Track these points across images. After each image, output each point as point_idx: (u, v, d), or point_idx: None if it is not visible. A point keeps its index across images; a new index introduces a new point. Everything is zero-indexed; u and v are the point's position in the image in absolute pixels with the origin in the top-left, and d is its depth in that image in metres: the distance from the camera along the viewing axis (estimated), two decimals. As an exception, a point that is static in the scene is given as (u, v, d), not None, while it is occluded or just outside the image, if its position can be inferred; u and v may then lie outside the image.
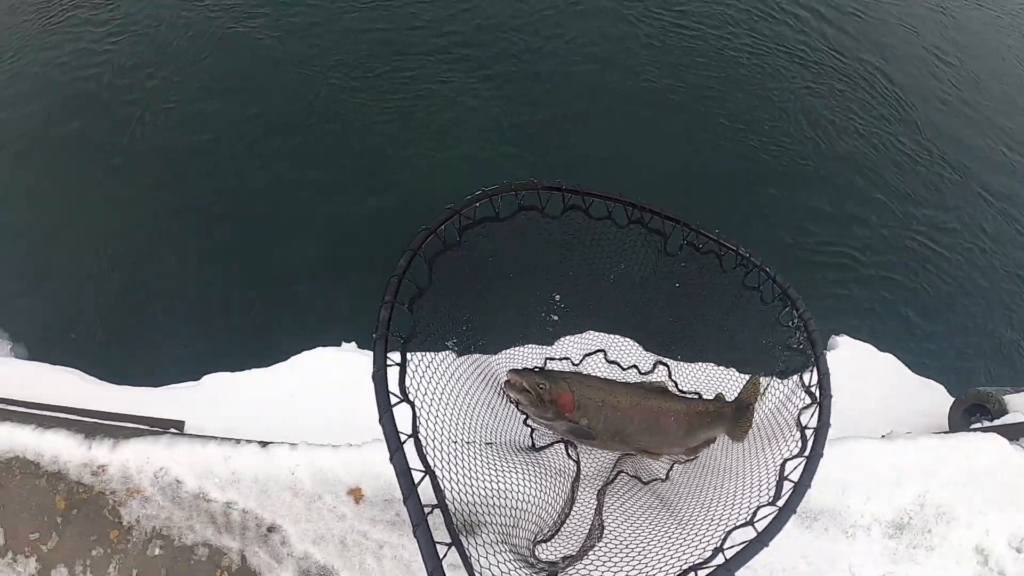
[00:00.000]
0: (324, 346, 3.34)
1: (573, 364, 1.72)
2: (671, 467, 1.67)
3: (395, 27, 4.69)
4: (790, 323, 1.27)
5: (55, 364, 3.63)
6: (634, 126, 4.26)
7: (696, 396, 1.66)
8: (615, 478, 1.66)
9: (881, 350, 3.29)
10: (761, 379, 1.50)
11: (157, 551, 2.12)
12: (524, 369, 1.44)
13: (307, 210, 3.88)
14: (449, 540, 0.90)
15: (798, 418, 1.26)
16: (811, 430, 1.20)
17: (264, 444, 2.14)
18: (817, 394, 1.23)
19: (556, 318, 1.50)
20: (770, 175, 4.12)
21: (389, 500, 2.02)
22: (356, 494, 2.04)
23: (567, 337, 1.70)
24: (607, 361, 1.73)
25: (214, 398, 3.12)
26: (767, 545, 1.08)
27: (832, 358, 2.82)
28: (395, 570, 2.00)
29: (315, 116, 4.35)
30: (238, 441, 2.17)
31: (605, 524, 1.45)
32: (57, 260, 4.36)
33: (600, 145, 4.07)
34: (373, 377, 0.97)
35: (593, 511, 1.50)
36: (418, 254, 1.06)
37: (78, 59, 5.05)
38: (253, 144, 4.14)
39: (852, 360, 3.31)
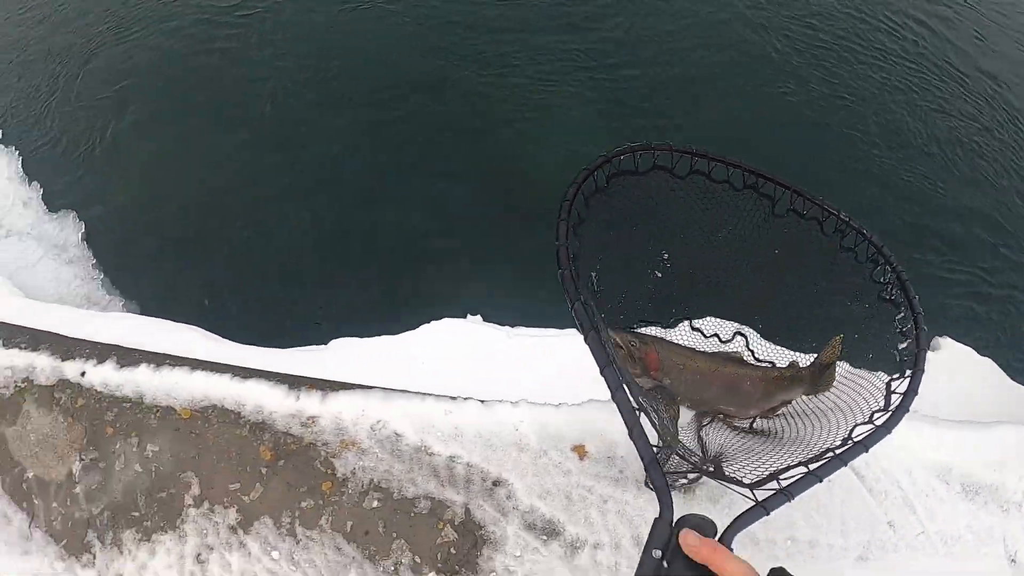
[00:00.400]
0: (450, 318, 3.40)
1: (662, 328, 1.75)
2: (752, 422, 1.73)
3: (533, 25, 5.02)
4: (883, 279, 1.34)
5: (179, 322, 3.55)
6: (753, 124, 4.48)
7: (770, 364, 1.73)
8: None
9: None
10: (839, 339, 1.54)
11: (375, 503, 2.12)
12: (619, 328, 1.54)
13: (430, 189, 4.00)
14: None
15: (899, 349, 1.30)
16: (910, 357, 1.25)
17: (484, 401, 2.21)
18: (913, 325, 1.27)
19: (659, 274, 1.55)
20: (896, 190, 4.29)
21: (611, 457, 2.12)
22: (580, 451, 2.13)
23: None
24: (691, 328, 1.77)
25: (352, 361, 3.09)
26: (891, 432, 1.11)
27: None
28: (619, 524, 2.08)
29: (444, 98, 4.44)
30: (454, 398, 2.23)
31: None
32: (175, 225, 4.28)
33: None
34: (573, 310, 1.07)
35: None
36: (581, 187, 1.21)
37: (209, 31, 5.14)
38: (382, 123, 4.24)
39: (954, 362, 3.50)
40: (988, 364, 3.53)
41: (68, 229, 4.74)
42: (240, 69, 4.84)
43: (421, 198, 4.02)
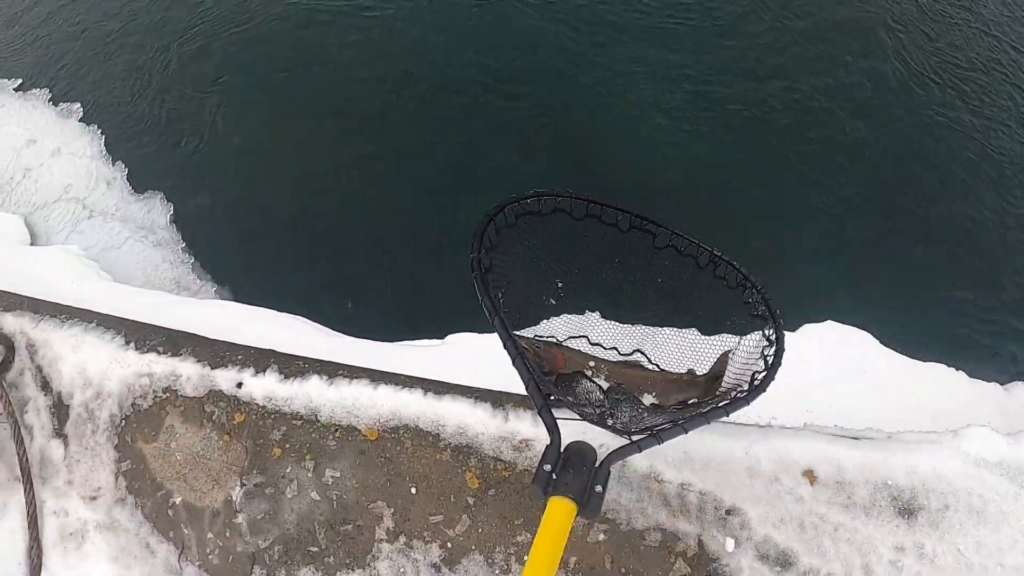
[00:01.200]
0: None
1: (559, 341, 1.51)
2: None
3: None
4: (751, 300, 1.30)
5: (279, 311, 2.84)
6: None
7: (666, 371, 1.51)
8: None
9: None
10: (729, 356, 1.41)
11: (601, 536, 1.61)
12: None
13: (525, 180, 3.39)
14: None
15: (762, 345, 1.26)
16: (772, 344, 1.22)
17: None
18: (776, 334, 1.24)
19: (554, 302, 1.47)
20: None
21: (840, 483, 1.69)
22: (810, 476, 1.70)
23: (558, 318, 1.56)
24: (590, 344, 1.53)
25: (473, 358, 2.52)
26: (748, 404, 1.14)
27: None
28: (850, 553, 1.66)
29: (537, 103, 3.83)
30: None
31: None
32: (266, 209, 3.51)
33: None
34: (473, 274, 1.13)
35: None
36: (493, 219, 1.20)
37: (306, 21, 4.26)
38: (499, 123, 3.60)
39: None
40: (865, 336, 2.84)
41: (155, 211, 3.84)
42: (336, 61, 4.05)
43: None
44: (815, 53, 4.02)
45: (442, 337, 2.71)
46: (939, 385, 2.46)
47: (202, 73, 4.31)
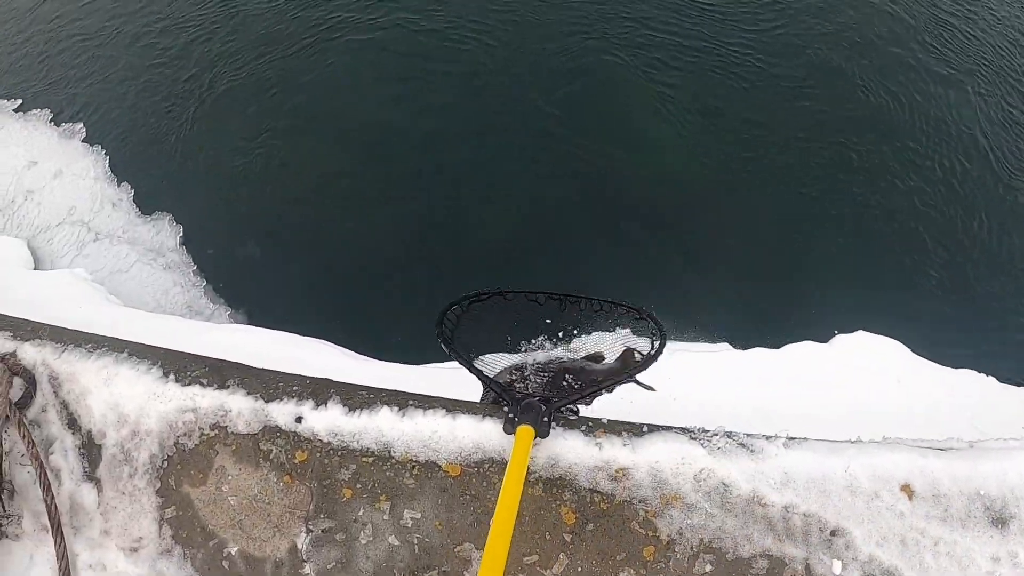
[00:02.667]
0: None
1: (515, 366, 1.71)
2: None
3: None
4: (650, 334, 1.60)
5: (300, 335, 2.56)
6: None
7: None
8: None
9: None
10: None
11: (707, 568, 1.42)
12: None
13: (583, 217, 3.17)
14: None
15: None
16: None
17: (797, 439, 1.56)
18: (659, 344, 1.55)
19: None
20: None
21: (936, 495, 1.54)
22: (907, 491, 1.54)
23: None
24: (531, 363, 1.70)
25: None
26: (631, 378, 1.51)
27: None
28: (950, 567, 1.51)
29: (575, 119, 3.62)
30: (769, 436, 1.57)
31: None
32: (278, 230, 3.19)
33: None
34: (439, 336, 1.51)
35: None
36: (448, 311, 1.55)
37: (311, 38, 3.92)
38: (541, 145, 3.36)
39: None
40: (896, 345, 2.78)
41: (164, 233, 3.46)
42: (350, 81, 3.80)
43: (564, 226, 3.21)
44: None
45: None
46: (975, 389, 2.39)
47: (210, 93, 3.97)
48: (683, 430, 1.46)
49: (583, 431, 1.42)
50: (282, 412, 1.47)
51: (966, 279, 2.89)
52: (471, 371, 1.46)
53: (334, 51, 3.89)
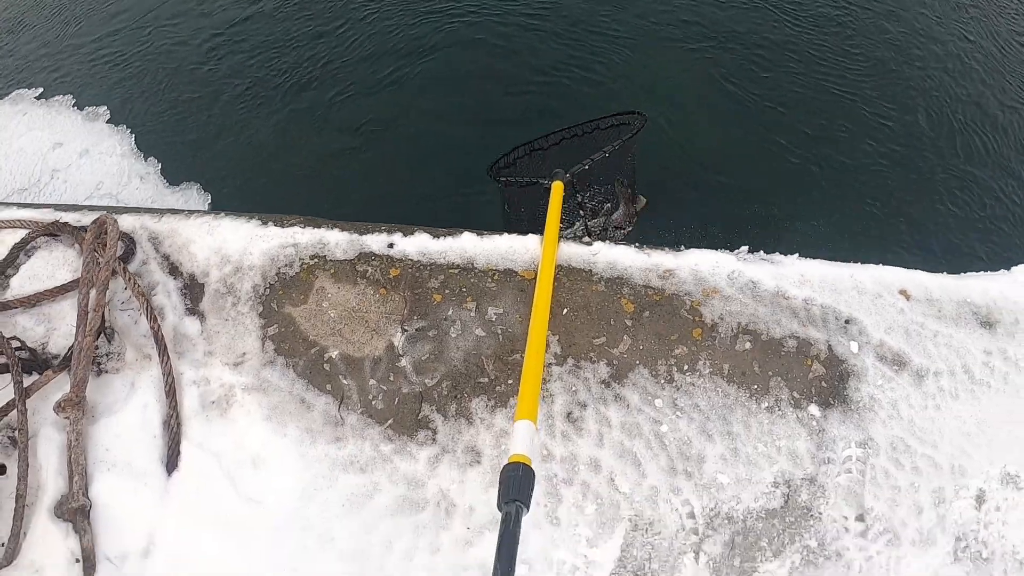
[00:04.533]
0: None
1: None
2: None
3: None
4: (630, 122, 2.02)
5: None
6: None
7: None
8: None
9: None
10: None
11: (747, 345, 1.62)
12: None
13: None
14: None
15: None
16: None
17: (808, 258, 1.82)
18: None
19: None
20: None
21: (930, 299, 1.79)
22: (904, 294, 1.81)
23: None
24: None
25: None
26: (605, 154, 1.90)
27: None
28: (949, 355, 1.65)
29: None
30: (785, 255, 1.82)
31: None
32: (304, 192, 3.37)
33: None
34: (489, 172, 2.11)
35: None
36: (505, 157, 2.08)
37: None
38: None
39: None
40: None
41: (192, 201, 3.64)
42: (372, 46, 4.14)
43: None
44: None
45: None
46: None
47: (231, 64, 4.24)
48: (713, 249, 1.73)
49: (634, 247, 1.67)
50: (375, 241, 1.69)
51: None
52: (513, 183, 1.93)
53: (365, 29, 4.27)
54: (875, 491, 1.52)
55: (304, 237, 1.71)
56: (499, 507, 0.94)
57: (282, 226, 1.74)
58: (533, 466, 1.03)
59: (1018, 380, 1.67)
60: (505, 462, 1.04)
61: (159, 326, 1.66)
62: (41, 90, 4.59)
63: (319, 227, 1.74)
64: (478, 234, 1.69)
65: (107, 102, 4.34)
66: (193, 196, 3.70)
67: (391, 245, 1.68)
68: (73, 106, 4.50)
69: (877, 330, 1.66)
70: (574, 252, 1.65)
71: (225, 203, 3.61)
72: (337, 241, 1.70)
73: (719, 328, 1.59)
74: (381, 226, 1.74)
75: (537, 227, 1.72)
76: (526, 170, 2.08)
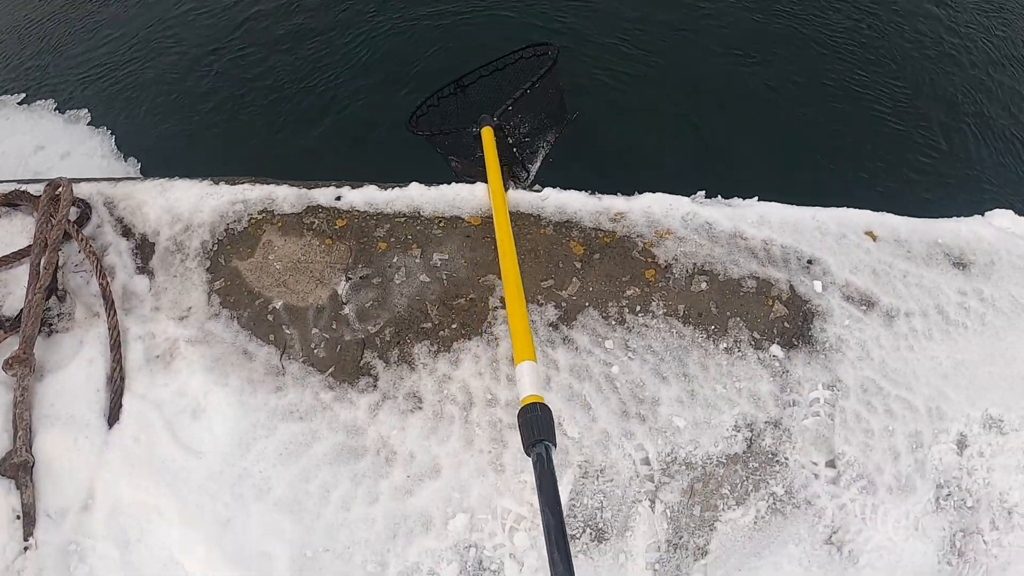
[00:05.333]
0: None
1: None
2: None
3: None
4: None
5: None
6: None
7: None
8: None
9: None
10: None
11: (703, 286, 1.54)
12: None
13: None
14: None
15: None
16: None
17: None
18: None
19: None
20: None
21: (898, 240, 1.68)
22: (871, 235, 1.71)
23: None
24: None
25: None
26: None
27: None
28: (921, 295, 1.60)
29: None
30: (743, 198, 1.75)
31: None
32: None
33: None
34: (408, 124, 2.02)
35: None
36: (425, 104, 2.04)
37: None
38: None
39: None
40: None
41: None
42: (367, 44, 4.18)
43: None
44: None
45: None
46: None
47: (212, 67, 4.27)
48: (668, 193, 1.66)
49: (585, 193, 1.62)
50: (323, 195, 1.66)
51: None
52: (438, 134, 1.85)
53: (343, 22, 4.27)
54: (846, 435, 1.41)
55: (253, 194, 1.69)
56: (526, 452, 0.93)
57: (232, 184, 1.73)
58: (545, 402, 1.02)
59: (996, 321, 1.56)
60: (519, 407, 1.03)
61: (108, 283, 1.63)
62: (23, 95, 4.67)
63: (268, 184, 1.72)
64: (426, 185, 1.65)
65: (88, 105, 4.40)
66: None
67: (339, 198, 1.65)
68: (55, 110, 4.58)
69: (842, 270, 1.57)
70: (522, 198, 1.60)
71: None
72: (286, 196, 1.67)
73: (673, 269, 1.51)
74: (331, 182, 1.72)
75: (477, 173, 1.70)
76: (452, 117, 1.99)
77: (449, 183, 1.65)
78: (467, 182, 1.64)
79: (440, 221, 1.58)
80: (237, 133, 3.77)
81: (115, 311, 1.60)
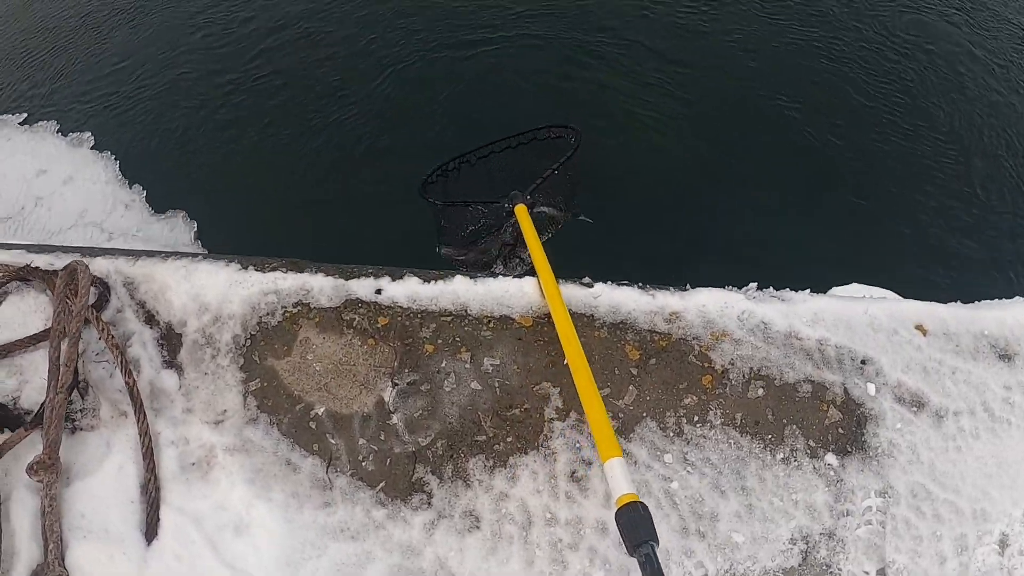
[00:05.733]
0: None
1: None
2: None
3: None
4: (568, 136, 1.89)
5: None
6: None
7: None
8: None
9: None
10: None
11: (760, 392, 1.51)
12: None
13: None
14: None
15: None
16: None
17: (819, 294, 1.70)
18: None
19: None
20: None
21: (947, 334, 1.67)
22: (921, 329, 1.69)
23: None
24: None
25: None
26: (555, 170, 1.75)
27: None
28: (968, 392, 1.61)
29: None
30: (796, 291, 1.70)
31: None
32: (294, 218, 3.22)
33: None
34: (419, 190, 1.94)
35: None
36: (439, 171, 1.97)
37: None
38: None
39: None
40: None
41: (179, 229, 3.48)
42: (357, 68, 3.97)
43: None
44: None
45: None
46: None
47: (217, 94, 4.08)
48: (721, 288, 1.61)
49: (637, 287, 1.55)
50: (362, 286, 1.56)
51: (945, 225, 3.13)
52: (461, 204, 1.79)
53: (359, 56, 4.11)
54: (896, 543, 1.41)
55: (286, 283, 1.58)
56: (630, 553, 0.93)
57: (263, 271, 1.61)
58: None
59: (1041, 417, 1.56)
60: (614, 509, 1.04)
61: (135, 381, 1.53)
62: (25, 115, 4.42)
63: (302, 271, 1.61)
64: (471, 277, 1.57)
65: (92, 128, 4.18)
66: (179, 225, 3.55)
67: (379, 291, 1.55)
68: (57, 132, 4.33)
69: (894, 370, 1.55)
70: (573, 294, 1.52)
71: (211, 232, 3.45)
72: (321, 287, 1.57)
73: (730, 374, 1.47)
74: (367, 269, 1.62)
75: (472, 246, 1.79)
76: (455, 188, 1.92)
77: (495, 276, 1.57)
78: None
79: (489, 321, 1.51)
80: (244, 166, 3.58)
81: (144, 414, 1.51)
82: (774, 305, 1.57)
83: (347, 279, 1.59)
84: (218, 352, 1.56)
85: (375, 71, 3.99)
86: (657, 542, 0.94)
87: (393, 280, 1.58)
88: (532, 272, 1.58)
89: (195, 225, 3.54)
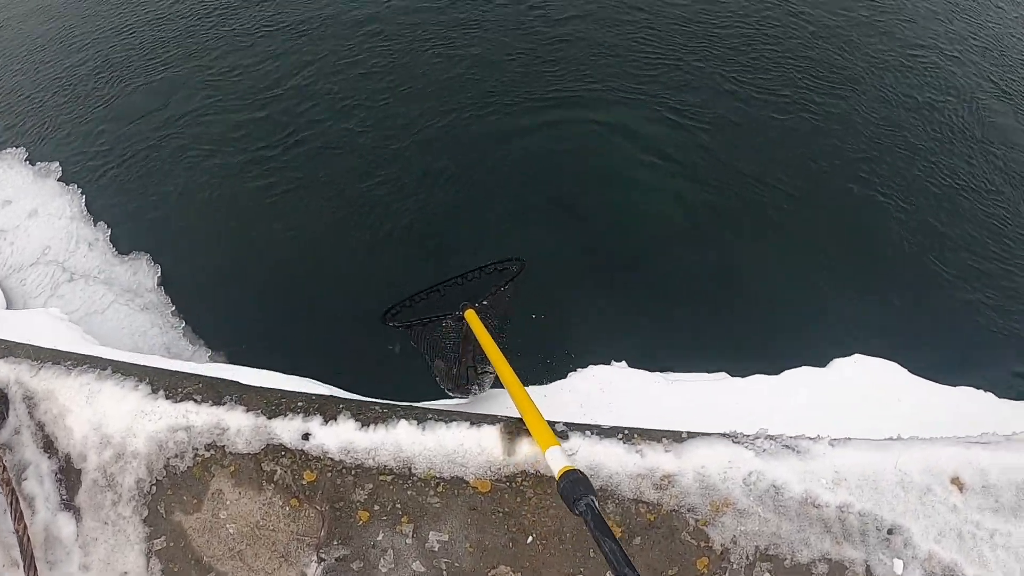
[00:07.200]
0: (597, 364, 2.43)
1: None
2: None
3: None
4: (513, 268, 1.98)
5: (286, 373, 2.25)
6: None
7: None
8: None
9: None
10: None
11: None
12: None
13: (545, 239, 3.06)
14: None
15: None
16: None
17: (838, 439, 1.36)
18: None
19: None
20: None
21: (986, 486, 1.37)
22: (957, 483, 1.37)
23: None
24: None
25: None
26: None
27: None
28: (1008, 559, 1.34)
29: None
30: (813, 438, 1.36)
31: None
32: (259, 269, 2.86)
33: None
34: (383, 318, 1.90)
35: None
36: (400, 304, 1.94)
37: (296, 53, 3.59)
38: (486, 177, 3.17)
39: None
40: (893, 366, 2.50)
41: (141, 273, 3.11)
42: (328, 108, 3.48)
43: (540, 247, 2.86)
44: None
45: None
46: (976, 407, 2.23)
47: (187, 132, 3.61)
48: (724, 435, 1.26)
49: (621, 439, 1.20)
50: (287, 429, 1.22)
51: (960, 295, 2.73)
52: (415, 323, 1.76)
53: (327, 84, 3.61)
54: None
55: (199, 419, 1.25)
56: (574, 511, 0.93)
57: (174, 399, 1.28)
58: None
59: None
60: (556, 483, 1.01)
61: (26, 529, 1.24)
62: None
63: (218, 403, 1.27)
64: (418, 422, 1.23)
65: (60, 158, 3.77)
66: (142, 268, 3.18)
67: (307, 436, 1.22)
68: (25, 160, 3.91)
69: (926, 539, 1.22)
70: (539, 453, 1.17)
71: (175, 276, 3.10)
72: (239, 427, 1.23)
73: (731, 556, 1.15)
74: (296, 402, 1.27)
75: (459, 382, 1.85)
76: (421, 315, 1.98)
77: (447, 423, 1.21)
78: (466, 416, 1.21)
79: (438, 484, 1.17)
80: (210, 211, 3.16)
81: (36, 571, 1.21)
82: (788, 462, 1.22)
83: (269, 418, 1.25)
84: (119, 498, 1.25)
85: (345, 118, 3.49)
86: (596, 496, 0.95)
87: (325, 422, 1.24)
88: (495, 407, 1.23)
89: (159, 270, 3.17)
